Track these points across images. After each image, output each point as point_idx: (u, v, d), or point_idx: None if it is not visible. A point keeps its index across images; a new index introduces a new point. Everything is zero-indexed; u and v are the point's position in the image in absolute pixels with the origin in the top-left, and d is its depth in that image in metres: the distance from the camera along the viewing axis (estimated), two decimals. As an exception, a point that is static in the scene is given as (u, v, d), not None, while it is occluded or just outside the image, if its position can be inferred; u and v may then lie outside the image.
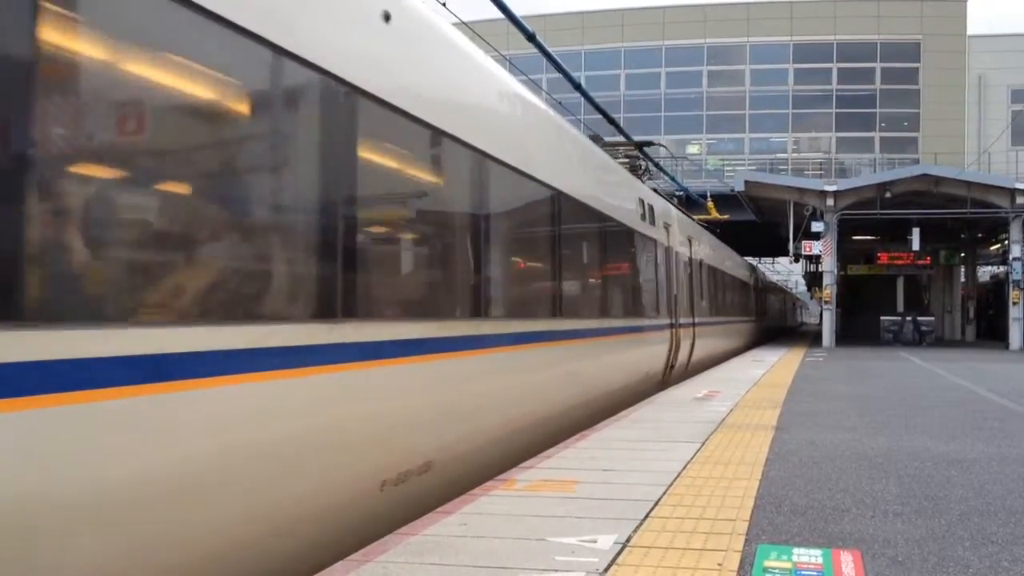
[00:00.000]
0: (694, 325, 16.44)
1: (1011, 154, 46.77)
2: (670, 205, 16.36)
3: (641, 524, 4.46)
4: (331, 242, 4.46)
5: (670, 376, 14.38)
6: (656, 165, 21.43)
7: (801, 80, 53.82)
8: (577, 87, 17.17)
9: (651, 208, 13.34)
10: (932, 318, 35.40)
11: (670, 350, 14.13)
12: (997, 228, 32.60)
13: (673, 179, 32.41)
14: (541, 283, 8.42)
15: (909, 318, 34.51)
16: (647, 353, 12.69)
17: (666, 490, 5.30)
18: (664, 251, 14.10)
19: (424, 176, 5.94)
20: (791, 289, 70.18)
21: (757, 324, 34.01)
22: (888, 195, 29.51)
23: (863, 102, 52.90)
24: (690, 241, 17.15)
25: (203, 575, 3.54)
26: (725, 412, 9.45)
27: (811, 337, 40.19)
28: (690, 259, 16.90)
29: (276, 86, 4.19)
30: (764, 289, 39.56)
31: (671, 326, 14.25)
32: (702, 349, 17.47)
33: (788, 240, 31.28)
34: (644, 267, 12.88)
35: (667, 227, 14.58)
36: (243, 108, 3.97)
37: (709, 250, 20.67)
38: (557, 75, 16.47)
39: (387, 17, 5.04)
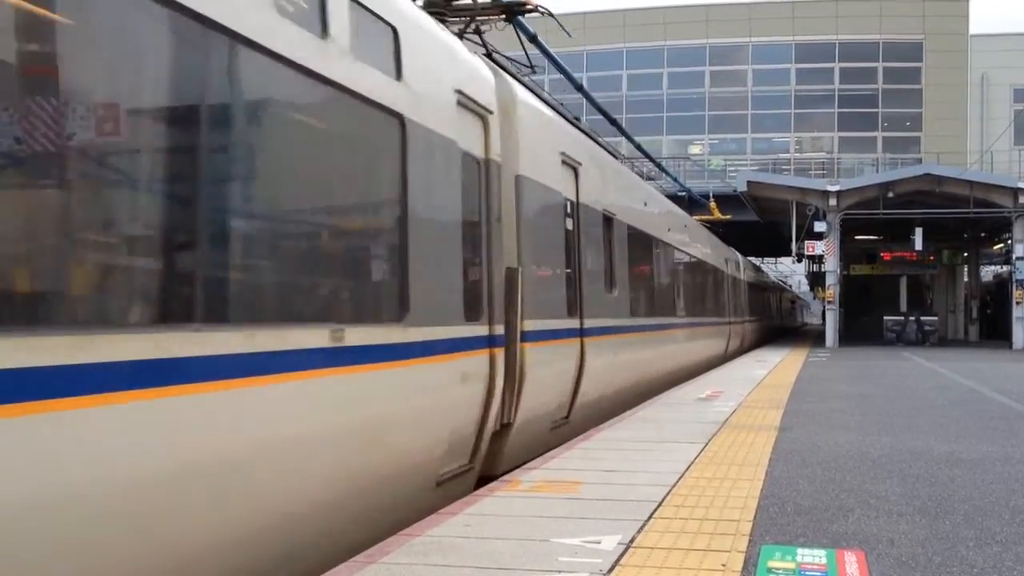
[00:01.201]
0: (582, 335, 8.90)
1: (1014, 153, 46.73)
2: (510, 80, 7.88)
3: (645, 525, 4.46)
4: None
5: (500, 453, 7.09)
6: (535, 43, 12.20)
7: (803, 80, 53.78)
8: (579, 88, 17.19)
9: (421, 54, 5.83)
10: (935, 318, 35.35)
11: (490, 395, 6.66)
12: (1000, 228, 32.56)
13: (676, 179, 32.45)
14: None
15: (912, 318, 34.46)
16: (373, 421, 5.06)
17: (670, 490, 5.29)
18: (474, 168, 6.68)
19: None
20: (789, 286, 68.82)
21: (743, 326, 26.99)
22: (891, 195, 29.49)
23: (865, 102, 52.85)
24: (575, 172, 9.13)
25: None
26: (728, 412, 9.44)
27: (814, 337, 40.17)
28: (576, 205, 9.14)
29: None
30: (757, 285, 34.49)
31: (489, 342, 6.69)
32: (610, 376, 10.12)
33: (791, 240, 31.26)
34: (380, 194, 5.47)
35: (480, 115, 6.83)
36: None
37: (633, 200, 12.28)
38: (559, 76, 16.50)
39: None
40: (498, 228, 7.03)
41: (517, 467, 6.45)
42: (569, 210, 8.97)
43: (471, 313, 6.42)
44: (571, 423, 8.82)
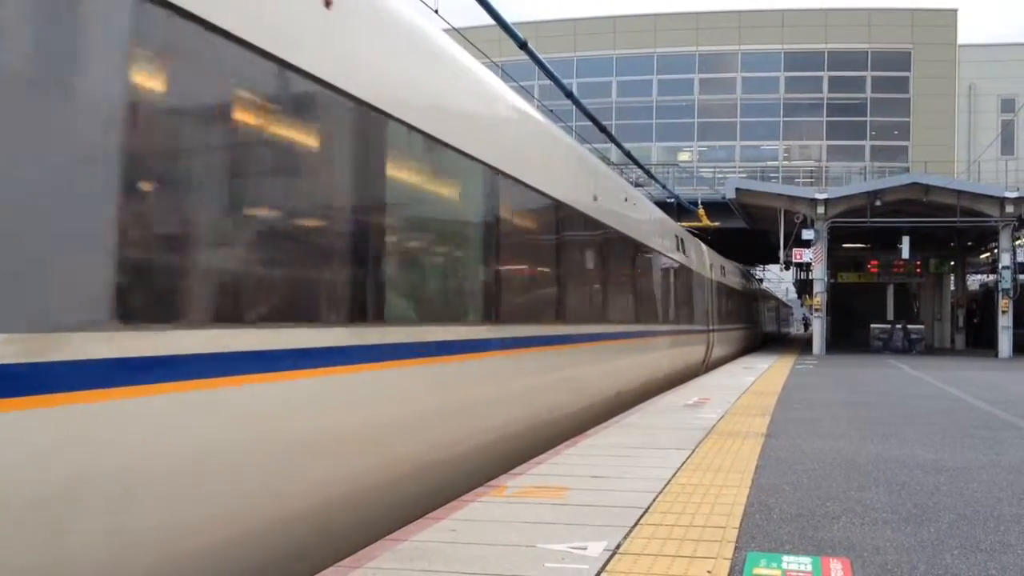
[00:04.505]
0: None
1: (1000, 163, 47.03)
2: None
3: (631, 531, 4.45)
4: None
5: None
6: None
7: (792, 88, 54.00)
8: (568, 95, 17.23)
9: None
10: (922, 326, 35.51)
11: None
12: (987, 237, 32.74)
13: (664, 186, 32.52)
14: None
15: (899, 326, 34.60)
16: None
17: (656, 497, 5.30)
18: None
19: None
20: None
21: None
22: (878, 203, 29.59)
23: (854, 111, 53.11)
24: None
25: None
26: (715, 419, 9.45)
27: (801, 344, 40.29)
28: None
29: None
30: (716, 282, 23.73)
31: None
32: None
33: (779, 248, 31.36)
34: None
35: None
36: None
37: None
38: (549, 82, 16.53)
39: None
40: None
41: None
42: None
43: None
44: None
